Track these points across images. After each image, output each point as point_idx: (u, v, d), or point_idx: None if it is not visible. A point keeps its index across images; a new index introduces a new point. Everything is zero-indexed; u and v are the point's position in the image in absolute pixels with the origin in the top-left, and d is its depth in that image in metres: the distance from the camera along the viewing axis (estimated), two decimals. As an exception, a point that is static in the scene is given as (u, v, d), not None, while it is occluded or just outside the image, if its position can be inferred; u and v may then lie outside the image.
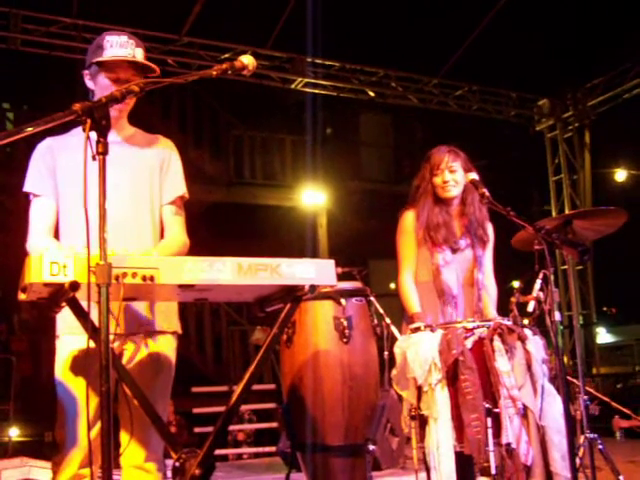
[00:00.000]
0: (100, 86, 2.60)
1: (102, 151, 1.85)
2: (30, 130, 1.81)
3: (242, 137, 12.32)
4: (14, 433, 7.90)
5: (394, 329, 4.00)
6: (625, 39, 8.57)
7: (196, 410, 8.36)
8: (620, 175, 11.90)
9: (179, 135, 11.02)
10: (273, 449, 7.10)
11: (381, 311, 4.05)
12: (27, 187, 2.65)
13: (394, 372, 3.13)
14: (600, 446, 3.52)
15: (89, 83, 2.66)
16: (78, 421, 2.47)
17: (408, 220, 3.58)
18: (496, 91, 10.21)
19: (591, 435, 3.47)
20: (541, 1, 7.96)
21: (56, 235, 2.64)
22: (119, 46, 2.56)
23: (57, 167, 2.63)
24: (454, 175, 3.50)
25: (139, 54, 2.60)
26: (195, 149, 11.46)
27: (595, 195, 10.49)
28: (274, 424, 8.22)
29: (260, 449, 8.13)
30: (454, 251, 3.52)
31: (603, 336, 20.21)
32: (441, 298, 3.47)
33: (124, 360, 2.52)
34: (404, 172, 14.14)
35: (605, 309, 20.30)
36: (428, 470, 2.90)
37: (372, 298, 3.85)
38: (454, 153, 3.55)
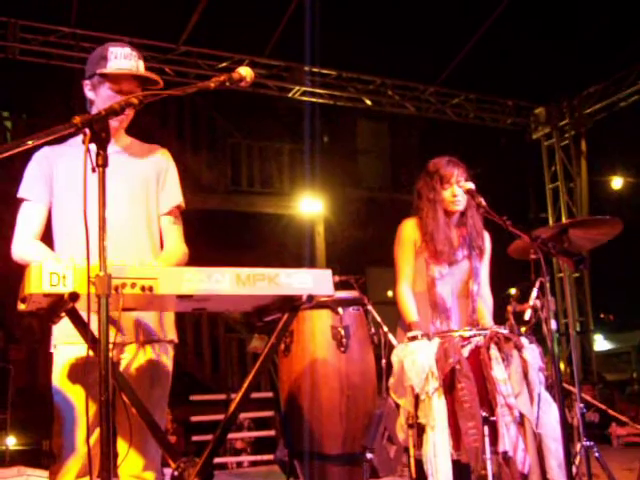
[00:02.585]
0: (102, 97, 2.60)
1: (102, 163, 1.87)
2: (30, 143, 1.84)
3: (239, 145, 12.34)
4: (11, 442, 7.88)
5: (391, 337, 4.01)
6: (621, 47, 8.61)
7: (194, 418, 8.34)
8: (616, 183, 11.94)
9: (176, 143, 11.04)
10: (271, 457, 7.09)
11: (378, 319, 4.06)
12: (21, 193, 2.66)
13: (391, 380, 3.14)
14: (597, 454, 3.53)
15: (89, 93, 2.66)
16: (75, 430, 2.47)
17: (407, 229, 3.58)
18: (493, 99, 10.24)
19: (588, 443, 3.48)
20: (537, 10, 7.99)
21: (51, 245, 2.65)
22: (123, 57, 2.57)
23: (54, 176, 2.63)
24: (461, 190, 3.50)
25: (141, 66, 2.61)
26: (192, 157, 11.47)
27: (591, 203, 10.51)
28: (272, 432, 8.20)
29: (258, 457, 8.11)
30: (451, 264, 3.52)
31: (600, 343, 20.20)
32: (434, 311, 3.47)
33: (121, 369, 2.53)
34: (401, 180, 14.17)
35: (602, 316, 20.30)
36: (423, 479, 2.91)
37: (369, 307, 3.85)
38: (462, 167, 3.53)
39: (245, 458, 8.36)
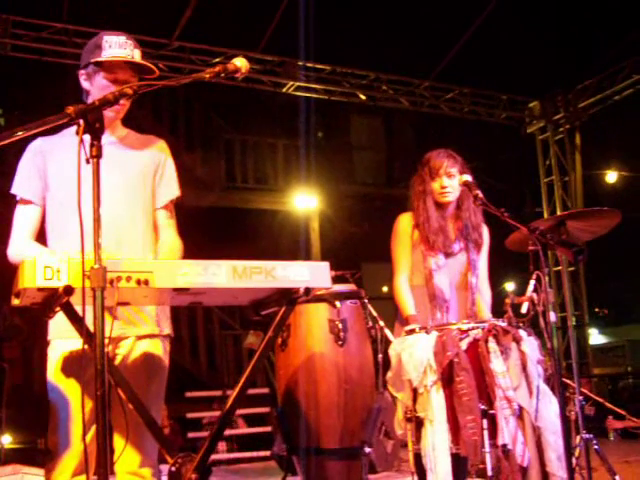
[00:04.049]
0: (97, 86, 2.57)
1: (96, 154, 1.84)
2: (22, 134, 1.80)
3: (233, 141, 12.31)
4: (6, 440, 7.84)
5: (388, 332, 4.00)
6: (615, 41, 8.62)
7: (190, 415, 8.32)
8: (611, 177, 11.95)
9: (170, 139, 10.89)
10: (267, 453, 7.07)
11: (374, 314, 4.04)
12: (14, 189, 2.64)
13: (389, 374, 3.13)
14: (596, 446, 3.52)
15: (85, 83, 2.63)
16: (71, 427, 2.45)
17: (403, 223, 3.57)
18: (487, 93, 10.24)
19: (587, 435, 3.48)
20: (531, 4, 7.99)
21: (43, 237, 2.63)
22: (118, 46, 2.54)
23: (48, 169, 2.61)
24: (452, 181, 3.48)
25: (137, 55, 2.58)
26: (186, 153, 11.44)
27: (586, 197, 10.53)
28: (268, 428, 8.19)
29: (254, 453, 8.09)
30: (447, 255, 3.51)
31: (595, 337, 20.28)
32: (432, 302, 3.46)
33: (117, 364, 2.50)
34: (396, 175, 14.17)
35: (597, 310, 20.38)
36: (422, 473, 2.89)
37: (366, 300, 3.83)
38: (453, 158, 3.52)
39: (242, 454, 8.33)
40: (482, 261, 3.62)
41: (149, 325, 2.58)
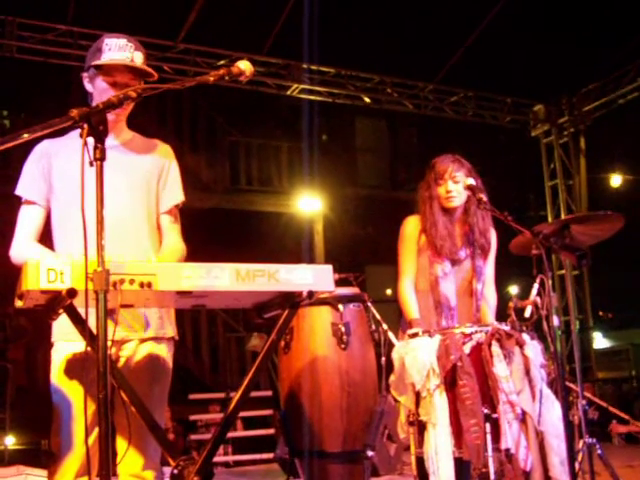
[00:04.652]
0: (98, 89, 2.59)
1: (100, 157, 1.84)
2: (26, 136, 1.80)
3: (238, 143, 12.33)
4: (10, 441, 7.86)
5: (391, 335, 3.99)
6: (620, 44, 8.61)
7: (193, 417, 8.33)
8: (615, 180, 11.93)
9: (175, 141, 10.93)
10: (270, 456, 7.07)
11: (378, 317, 4.04)
12: (19, 190, 2.64)
13: (392, 377, 3.12)
14: (599, 451, 3.51)
15: (88, 86, 2.65)
16: (74, 429, 2.45)
17: (410, 226, 3.56)
18: (491, 97, 10.23)
19: (590, 440, 3.47)
20: (536, 7, 7.98)
21: (50, 241, 2.63)
22: (117, 49, 2.54)
23: (53, 171, 2.61)
24: (457, 185, 3.45)
25: (138, 57, 2.58)
26: (191, 156, 11.46)
27: (590, 200, 10.51)
28: (271, 430, 8.18)
29: (257, 456, 8.09)
30: (454, 263, 3.49)
31: (599, 341, 20.22)
32: (437, 309, 3.44)
33: (120, 366, 2.50)
34: (400, 178, 14.17)
35: (601, 314, 20.32)
36: (425, 477, 2.88)
37: (369, 304, 3.83)
38: (458, 162, 3.50)
39: (245, 457, 8.32)
40: (489, 266, 3.60)
41: (153, 328, 2.58)
